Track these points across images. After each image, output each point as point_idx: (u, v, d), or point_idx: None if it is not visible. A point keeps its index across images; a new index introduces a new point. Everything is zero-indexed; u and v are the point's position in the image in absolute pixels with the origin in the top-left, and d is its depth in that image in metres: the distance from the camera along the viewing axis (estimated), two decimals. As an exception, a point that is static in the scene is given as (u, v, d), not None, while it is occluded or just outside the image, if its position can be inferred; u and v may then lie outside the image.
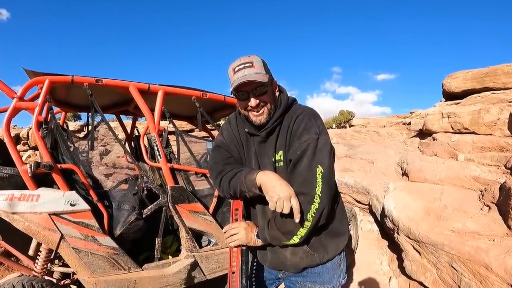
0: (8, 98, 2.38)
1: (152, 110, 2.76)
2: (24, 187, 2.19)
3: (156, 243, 2.67)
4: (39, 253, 2.41)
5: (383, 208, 4.33)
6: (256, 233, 1.45)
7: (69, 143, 2.54)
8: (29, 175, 2.13)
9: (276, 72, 1.44)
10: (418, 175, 5.15)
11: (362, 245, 4.44)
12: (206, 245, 2.92)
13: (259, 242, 1.44)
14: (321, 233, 1.42)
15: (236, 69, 1.33)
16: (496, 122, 5.55)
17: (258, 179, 1.29)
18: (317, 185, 1.25)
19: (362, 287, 3.48)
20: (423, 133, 7.42)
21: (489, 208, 3.46)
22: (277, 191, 1.22)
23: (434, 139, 6.52)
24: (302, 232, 1.30)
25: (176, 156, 2.92)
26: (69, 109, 3.54)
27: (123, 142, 3.87)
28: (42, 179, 2.29)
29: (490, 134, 5.56)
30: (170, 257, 2.87)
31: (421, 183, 4.89)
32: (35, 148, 13.79)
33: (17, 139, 15.01)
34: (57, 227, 2.21)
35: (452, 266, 2.84)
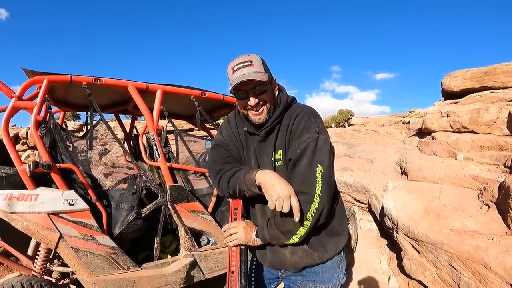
0: (6, 98, 2.37)
1: (151, 109, 2.76)
2: (23, 186, 2.18)
3: (155, 243, 2.67)
4: (38, 252, 2.40)
5: (382, 207, 4.33)
6: (255, 233, 1.44)
7: (67, 142, 2.53)
8: (28, 174, 2.12)
9: (275, 71, 1.43)
10: (417, 174, 5.16)
11: (362, 244, 4.45)
12: (205, 245, 2.92)
13: (258, 242, 1.44)
14: (321, 233, 1.41)
15: (236, 68, 1.33)
16: (495, 121, 5.55)
17: (257, 178, 1.29)
18: (317, 185, 1.24)
19: (361, 286, 3.48)
20: (422, 132, 7.43)
21: (488, 207, 3.47)
22: (277, 190, 1.22)
23: (433, 138, 6.53)
24: (302, 231, 1.29)
25: (175, 155, 2.91)
26: (68, 109, 3.53)
27: (122, 142, 3.87)
28: (41, 179, 2.28)
29: (489, 133, 5.57)
30: (169, 256, 2.86)
31: (420, 182, 4.89)
32: (34, 148, 13.77)
33: (16, 139, 14.99)
34: (56, 227, 2.20)
35: (451, 265, 2.84)
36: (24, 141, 15.30)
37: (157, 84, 2.86)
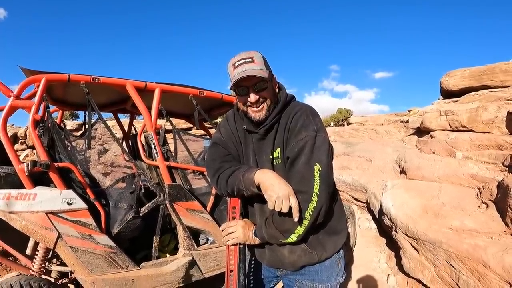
0: (4, 97, 2.37)
1: (149, 108, 2.75)
2: (21, 186, 2.18)
3: (154, 242, 2.67)
4: (36, 252, 2.40)
5: (381, 206, 4.34)
6: (253, 231, 1.44)
7: (66, 141, 2.53)
8: (26, 174, 2.11)
9: (274, 70, 1.43)
10: (416, 173, 5.16)
11: (360, 243, 4.45)
12: (204, 244, 2.92)
13: (256, 240, 1.43)
14: (319, 231, 1.41)
15: (236, 64, 1.32)
16: (494, 120, 5.56)
17: (256, 178, 1.28)
18: (315, 183, 1.24)
19: (360, 285, 3.48)
20: (421, 131, 7.43)
21: (487, 205, 3.47)
22: (276, 190, 1.21)
23: (432, 137, 6.53)
24: (300, 230, 1.29)
25: (174, 154, 2.91)
26: (66, 108, 3.53)
27: (121, 141, 3.86)
28: (39, 178, 2.27)
29: (488, 132, 5.57)
30: (167, 255, 2.87)
31: (419, 181, 4.90)
32: (33, 147, 13.74)
33: (14, 138, 14.97)
34: (54, 226, 2.20)
35: (450, 264, 2.84)
36: (23, 140, 15.27)
37: (156, 83, 2.86)
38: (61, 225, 2.23)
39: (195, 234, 2.85)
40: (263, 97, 1.35)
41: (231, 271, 1.45)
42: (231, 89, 1.36)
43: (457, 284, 2.75)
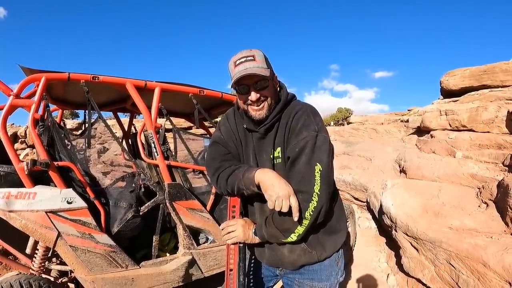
0: (4, 96, 2.37)
1: (149, 107, 2.75)
2: (21, 185, 2.17)
3: (154, 241, 2.67)
4: (36, 251, 2.40)
5: (381, 205, 4.34)
6: (253, 230, 1.44)
7: (66, 140, 2.53)
8: (26, 172, 2.11)
9: (274, 69, 1.43)
10: (416, 172, 5.16)
11: (360, 242, 4.45)
12: (204, 243, 2.92)
13: (256, 239, 1.43)
14: (319, 231, 1.41)
15: (238, 62, 1.31)
16: (494, 120, 5.56)
17: (256, 177, 1.28)
18: (315, 183, 1.23)
19: (360, 284, 3.48)
20: (421, 131, 7.43)
21: (487, 205, 3.47)
22: (276, 189, 1.21)
23: (432, 136, 6.54)
24: (300, 230, 1.29)
25: (173, 153, 2.91)
26: (66, 107, 3.53)
27: (120, 140, 3.86)
28: (39, 177, 2.27)
29: (488, 132, 5.57)
30: (167, 254, 2.87)
31: (419, 180, 4.89)
32: (32, 147, 13.75)
33: (14, 138, 14.98)
34: (54, 225, 2.20)
35: (450, 263, 2.84)
36: (23, 139, 15.29)
37: (156, 82, 2.85)
38: (61, 224, 2.22)
39: (195, 233, 2.85)
40: (264, 95, 1.35)
41: (231, 270, 1.45)
42: (231, 87, 1.36)
43: (457, 284, 2.75)
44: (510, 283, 2.39)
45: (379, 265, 3.90)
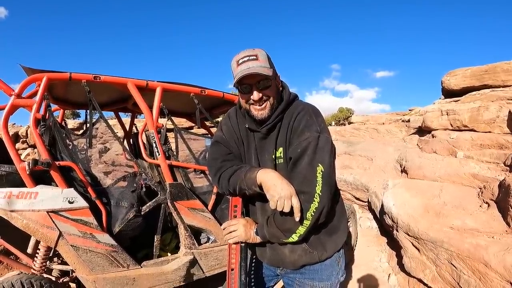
0: (6, 96, 2.37)
1: (150, 107, 2.75)
2: (22, 184, 2.18)
3: (155, 240, 2.67)
4: (37, 251, 2.40)
5: (382, 205, 4.33)
6: (255, 230, 1.43)
7: (67, 140, 2.53)
8: (27, 172, 2.11)
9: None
10: (417, 172, 5.16)
11: (361, 242, 4.45)
12: (205, 242, 2.92)
13: (258, 239, 1.43)
14: (320, 231, 1.41)
15: (240, 61, 1.31)
16: (495, 120, 5.55)
17: (258, 178, 1.28)
18: (317, 184, 1.23)
19: (361, 284, 3.48)
20: (422, 130, 7.43)
21: (488, 205, 3.47)
22: (278, 190, 1.22)
23: (433, 136, 6.53)
24: (301, 230, 1.29)
25: (175, 153, 2.91)
26: (67, 107, 3.53)
27: (122, 140, 3.86)
28: (41, 177, 2.28)
29: (489, 132, 5.57)
30: (169, 254, 2.87)
31: (420, 180, 4.89)
32: (34, 146, 13.78)
33: (16, 137, 15.01)
34: (55, 225, 2.20)
35: (451, 263, 2.84)
36: (24, 139, 15.32)
37: (157, 81, 2.85)
38: (62, 224, 2.23)
39: (196, 233, 2.85)
40: (266, 95, 1.34)
41: (232, 270, 1.45)
42: (234, 86, 1.35)
43: (458, 284, 2.75)
44: (511, 283, 2.38)
45: (380, 265, 3.90)
